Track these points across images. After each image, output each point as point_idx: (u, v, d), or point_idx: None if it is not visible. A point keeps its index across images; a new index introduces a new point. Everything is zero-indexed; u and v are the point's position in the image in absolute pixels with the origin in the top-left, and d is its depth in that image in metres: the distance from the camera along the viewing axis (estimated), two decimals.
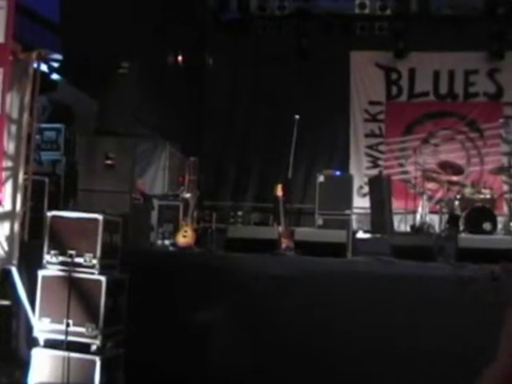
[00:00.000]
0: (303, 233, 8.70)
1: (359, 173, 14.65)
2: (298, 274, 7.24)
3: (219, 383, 7.07)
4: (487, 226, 9.89)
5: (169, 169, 13.34)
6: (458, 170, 11.46)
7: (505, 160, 12.34)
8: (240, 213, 13.13)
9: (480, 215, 10.05)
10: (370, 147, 15.47)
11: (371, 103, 15.61)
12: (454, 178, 11.23)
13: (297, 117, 10.68)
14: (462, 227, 9.96)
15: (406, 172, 14.74)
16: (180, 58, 13.73)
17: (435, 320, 6.67)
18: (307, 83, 14.94)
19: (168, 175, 13.28)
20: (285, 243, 9.14)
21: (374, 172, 14.77)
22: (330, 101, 15.00)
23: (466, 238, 8.13)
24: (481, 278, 6.46)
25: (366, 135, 15.53)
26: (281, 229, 9.56)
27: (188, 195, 10.98)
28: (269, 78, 15.12)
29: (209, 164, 14.70)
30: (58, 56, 8.40)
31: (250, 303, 7.26)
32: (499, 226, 10.24)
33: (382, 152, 15.47)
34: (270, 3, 14.87)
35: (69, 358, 6.32)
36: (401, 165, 15.14)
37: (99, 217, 6.52)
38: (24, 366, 6.68)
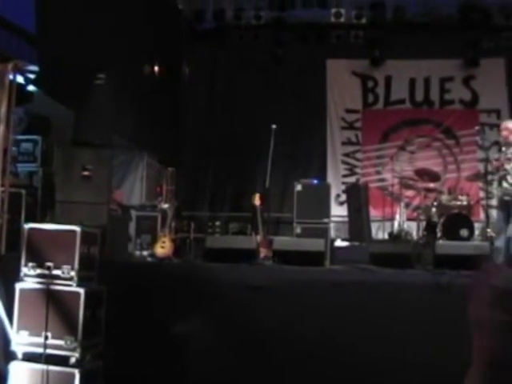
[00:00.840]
0: (281, 242, 8.72)
1: (336, 181, 14.73)
2: (276, 284, 7.27)
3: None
4: (464, 232, 9.98)
5: (146, 179, 13.31)
6: (434, 176, 11.55)
7: (481, 167, 12.45)
8: (218, 223, 13.13)
9: (457, 222, 10.14)
10: (346, 155, 15.53)
11: (348, 111, 15.69)
12: (431, 185, 11.33)
13: (274, 126, 10.71)
14: (439, 234, 10.04)
15: (383, 180, 14.83)
16: (156, 68, 13.72)
17: (414, 327, 6.71)
18: (284, 92, 15.00)
19: (145, 186, 13.25)
20: (263, 252, 9.17)
21: (352, 180, 14.86)
22: (306, 109, 15.09)
23: (443, 245, 8.19)
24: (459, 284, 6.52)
25: (343, 143, 15.60)
26: (259, 238, 9.59)
27: (166, 206, 10.98)
28: (245, 88, 15.15)
29: (186, 174, 14.71)
30: (35, 67, 8.36)
31: (228, 313, 7.27)
32: (476, 232, 10.33)
33: (359, 160, 15.54)
34: (246, 13, 14.92)
35: (47, 371, 6.28)
36: (378, 172, 15.22)
37: (77, 229, 6.50)
38: (2, 380, 6.61)
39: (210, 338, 7.21)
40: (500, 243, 8.93)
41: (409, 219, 12.23)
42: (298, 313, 7.12)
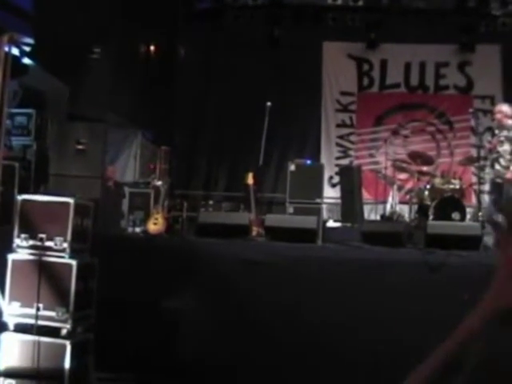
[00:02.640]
0: (274, 219, 8.75)
1: (330, 162, 14.74)
2: (268, 259, 7.30)
3: (192, 367, 7.09)
4: (456, 215, 9.99)
5: (140, 157, 13.31)
6: (428, 160, 11.56)
7: (474, 152, 12.49)
8: (211, 202, 13.14)
9: (449, 205, 10.15)
10: (341, 137, 15.54)
11: (343, 93, 15.68)
12: (424, 168, 11.33)
13: (268, 104, 10.70)
14: (431, 217, 10.05)
15: (376, 162, 14.83)
16: (152, 47, 13.69)
17: (405, 304, 6.75)
18: (279, 73, 14.98)
19: (139, 163, 13.25)
20: (255, 231, 9.19)
21: (345, 162, 14.89)
22: (301, 90, 15.06)
23: (434, 225, 8.21)
24: (450, 264, 6.55)
25: (338, 125, 15.60)
26: (252, 217, 9.61)
27: (159, 183, 10.97)
28: (241, 68, 15.13)
29: (180, 153, 14.71)
30: (30, 40, 8.33)
31: (221, 288, 7.30)
32: (468, 216, 10.35)
33: (352, 142, 15.55)
34: None
35: (39, 343, 6.30)
36: (371, 155, 15.24)
37: (70, 200, 6.50)
38: None
39: (203, 312, 7.24)
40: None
41: (401, 202, 12.24)
42: (292, 288, 7.15)
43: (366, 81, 15.68)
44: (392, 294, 6.89)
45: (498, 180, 9.76)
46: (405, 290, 6.84)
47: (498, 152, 9.94)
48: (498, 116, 10.13)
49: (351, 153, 15.47)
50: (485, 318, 1.30)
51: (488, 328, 1.29)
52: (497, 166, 9.89)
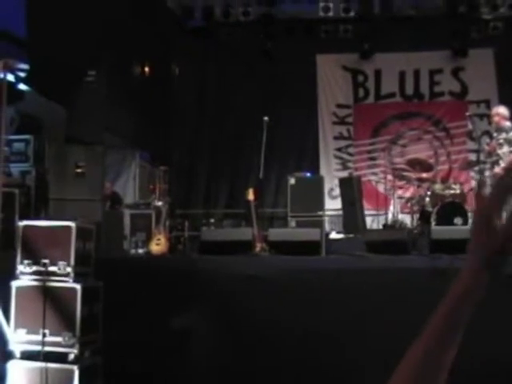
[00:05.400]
0: (277, 233, 8.71)
1: (329, 175, 14.66)
2: (274, 273, 7.24)
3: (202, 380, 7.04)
4: (458, 220, 9.94)
5: (139, 178, 13.27)
6: (427, 166, 11.51)
7: (472, 157, 12.47)
8: (212, 220, 13.09)
9: (451, 210, 10.10)
10: (339, 150, 15.50)
11: (339, 106, 15.65)
12: (424, 175, 11.28)
13: (266, 118, 10.65)
14: (433, 223, 10.00)
15: (375, 173, 14.80)
16: (146, 67, 13.69)
17: (413, 311, 6.68)
18: (275, 88, 14.98)
19: (138, 184, 13.21)
20: (258, 247, 9.13)
21: (344, 174, 14.80)
22: (298, 104, 15.05)
23: (438, 230, 8.18)
24: (456, 268, 6.49)
25: (335, 138, 15.56)
26: (254, 232, 9.55)
27: (159, 203, 10.93)
28: (236, 84, 15.14)
29: (179, 172, 14.68)
30: (25, 66, 8.32)
31: (227, 304, 7.24)
32: (470, 220, 10.30)
33: (351, 154, 15.51)
34: (235, 9, 14.88)
35: (46, 369, 6.24)
36: (370, 166, 15.20)
37: (72, 224, 6.47)
38: (0, 379, 6.56)
39: (210, 329, 7.18)
40: None
41: (403, 212, 12.21)
42: (297, 301, 7.10)
43: (361, 92, 15.66)
44: (400, 301, 6.83)
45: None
46: (413, 296, 6.77)
47: (497, 155, 9.92)
48: (496, 118, 10.12)
49: (350, 165, 15.42)
50: (473, 269, 1.29)
51: (480, 279, 1.27)
52: (497, 169, 9.86)
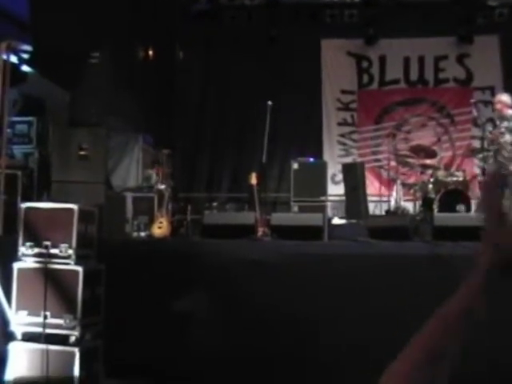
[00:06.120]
0: (279, 217, 8.68)
1: (332, 161, 14.58)
2: (275, 258, 7.23)
3: (202, 369, 7.02)
4: (461, 208, 9.92)
5: (142, 161, 13.24)
6: (430, 153, 11.49)
7: (476, 144, 12.44)
8: (215, 203, 13.07)
9: (454, 197, 10.08)
10: (342, 136, 15.45)
11: (343, 92, 15.58)
12: (427, 162, 11.25)
13: (269, 103, 10.62)
14: (436, 210, 9.98)
15: (379, 160, 14.76)
16: (150, 50, 13.64)
17: (415, 297, 6.68)
18: (279, 72, 14.89)
19: (141, 168, 13.18)
20: (261, 231, 9.13)
21: (347, 160, 14.75)
22: (302, 89, 14.97)
23: (441, 217, 8.14)
24: (459, 255, 6.48)
25: (339, 124, 15.50)
26: (256, 217, 9.54)
27: (162, 187, 10.92)
28: (240, 68, 15.05)
29: (182, 156, 14.66)
30: (28, 47, 8.29)
31: (229, 288, 7.24)
32: (473, 207, 10.28)
33: (354, 140, 15.45)
34: None
35: (47, 351, 6.25)
36: (374, 153, 15.15)
37: (74, 207, 6.45)
38: (1, 361, 6.57)
39: (211, 314, 7.18)
40: None
41: (406, 200, 12.18)
42: (299, 286, 7.09)
43: (365, 78, 15.58)
44: (402, 287, 6.82)
45: (502, 171, 9.67)
46: (415, 282, 6.76)
47: (499, 143, 9.86)
48: (498, 106, 10.07)
49: (353, 151, 15.36)
50: (485, 270, 1.28)
51: (490, 281, 1.27)
52: (499, 158, 9.81)
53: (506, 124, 9.86)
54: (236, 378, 7.03)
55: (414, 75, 15.34)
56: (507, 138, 9.81)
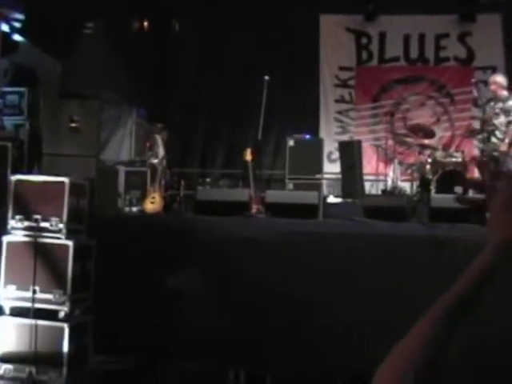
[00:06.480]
0: (274, 195, 8.68)
1: (329, 138, 14.56)
2: (269, 236, 7.23)
3: (194, 346, 7.04)
4: (459, 189, 9.90)
5: (135, 135, 13.20)
6: (428, 133, 11.44)
7: (475, 124, 12.41)
8: (208, 179, 13.05)
9: (451, 178, 10.06)
10: (339, 113, 15.40)
11: (341, 68, 15.51)
12: (425, 142, 11.22)
13: (266, 77, 10.57)
14: (433, 190, 9.98)
15: (376, 138, 14.72)
16: (146, 22, 13.55)
17: (410, 278, 6.70)
18: (276, 47, 14.78)
19: (134, 142, 13.15)
20: (255, 208, 9.12)
21: (344, 138, 14.72)
22: (299, 65, 14.88)
23: (438, 198, 8.13)
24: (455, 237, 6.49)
25: (336, 101, 15.44)
26: (251, 193, 9.53)
27: (155, 161, 10.87)
28: (237, 42, 14.95)
29: (176, 130, 14.59)
30: (20, 16, 8.21)
31: (221, 266, 7.24)
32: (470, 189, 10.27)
33: (352, 118, 15.41)
34: None
35: (36, 326, 6.26)
36: (371, 131, 15.11)
37: (65, 180, 6.43)
38: None
39: (204, 291, 7.18)
40: None
41: (403, 180, 12.17)
42: (294, 265, 7.09)
43: (364, 55, 15.50)
44: (398, 267, 6.83)
45: (495, 153, 9.69)
46: (410, 263, 6.78)
47: (493, 124, 9.87)
48: (493, 87, 10.06)
49: (351, 128, 15.32)
50: (498, 250, 1.30)
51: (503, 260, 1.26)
52: (493, 139, 9.82)
53: (500, 105, 9.86)
54: (229, 356, 7.05)
55: (414, 53, 15.27)
56: (502, 119, 9.81)
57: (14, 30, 8.52)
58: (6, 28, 8.19)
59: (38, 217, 6.39)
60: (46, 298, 6.32)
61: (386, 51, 15.39)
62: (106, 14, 10.40)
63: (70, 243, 6.37)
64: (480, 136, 10.46)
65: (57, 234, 6.39)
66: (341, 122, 15.34)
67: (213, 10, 15.32)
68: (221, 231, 7.37)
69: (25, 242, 6.42)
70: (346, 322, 6.86)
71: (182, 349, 7.04)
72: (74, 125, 8.91)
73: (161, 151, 11.00)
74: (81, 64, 9.43)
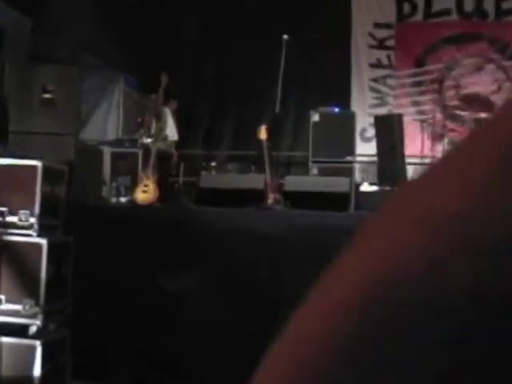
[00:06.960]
0: (295, 181, 8.73)
1: (363, 112, 14.57)
2: (289, 231, 7.25)
3: (196, 350, 7.10)
4: None
5: (124, 108, 13.23)
6: (486, 104, 11.44)
7: None
8: (214, 163, 13.07)
9: None
10: (375, 80, 15.42)
11: (377, 25, 15.53)
12: (482, 115, 11.21)
13: (285, 37, 10.56)
14: None
15: (421, 112, 14.72)
16: None
17: None
18: (299, 2, 14.80)
19: (123, 116, 13.18)
20: (271, 198, 9.12)
21: (382, 111, 14.74)
22: (326, 22, 14.85)
23: None
24: None
25: (371, 65, 15.48)
26: (266, 180, 9.54)
27: (149, 140, 10.89)
28: None
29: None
30: None
31: (228, 267, 7.26)
32: None
33: (391, 87, 15.42)
34: None
35: (1, 344, 6.28)
36: (415, 102, 15.11)
37: (37, 163, 6.45)
38: None
39: (205, 295, 7.21)
40: None
41: None
42: (316, 266, 7.07)
43: (406, 8, 15.49)
44: None
45: None
46: None
47: None
48: None
49: (389, 100, 15.35)
50: None
51: None
52: None
53: None
54: (233, 359, 7.09)
55: (468, 5, 15.23)
56: None
57: None
58: None
59: (3, 209, 6.42)
60: (13, 310, 6.35)
61: (433, 3, 15.37)
62: None
63: (43, 242, 6.39)
64: None
65: (27, 230, 6.42)
66: (377, 91, 15.37)
67: None
68: (228, 226, 7.39)
69: None
70: None
71: (179, 353, 7.12)
72: (47, 96, 8.94)
73: (170, 129, 10.99)
74: (56, 21, 9.45)
